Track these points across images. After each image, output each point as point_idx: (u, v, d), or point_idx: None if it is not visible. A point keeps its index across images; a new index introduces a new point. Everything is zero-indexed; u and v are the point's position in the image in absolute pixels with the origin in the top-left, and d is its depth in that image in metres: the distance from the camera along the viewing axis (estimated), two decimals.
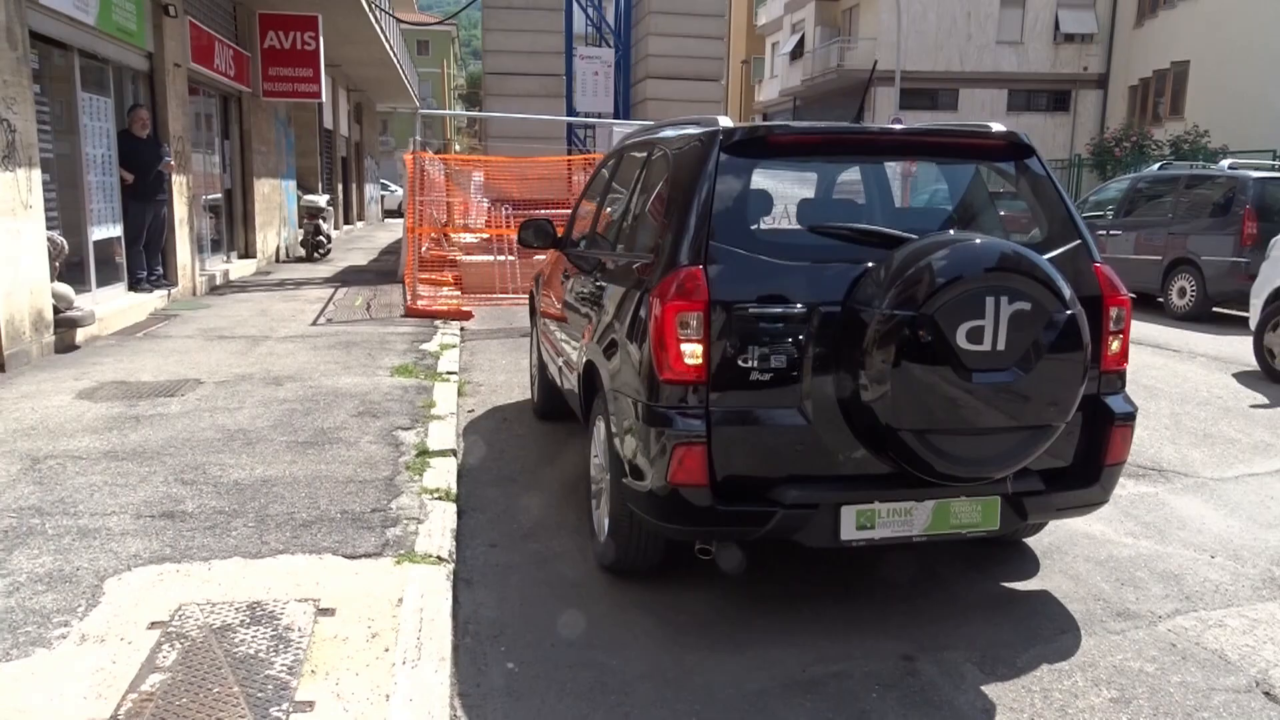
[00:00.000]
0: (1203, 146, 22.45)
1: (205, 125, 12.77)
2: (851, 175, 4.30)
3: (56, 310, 7.41)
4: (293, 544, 3.67)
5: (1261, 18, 23.12)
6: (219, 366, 6.96)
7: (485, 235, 13.37)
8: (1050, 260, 3.09)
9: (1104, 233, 12.52)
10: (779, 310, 3.07)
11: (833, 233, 3.37)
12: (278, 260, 15.97)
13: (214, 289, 11.88)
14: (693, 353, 3.05)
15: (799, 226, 3.79)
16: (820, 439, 3.11)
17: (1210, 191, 11.64)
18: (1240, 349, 8.69)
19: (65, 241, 7.71)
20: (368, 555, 3.59)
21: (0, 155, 6.54)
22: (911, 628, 3.31)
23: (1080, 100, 32.17)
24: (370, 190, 33.24)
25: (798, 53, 37.30)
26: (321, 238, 16.45)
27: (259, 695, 2.61)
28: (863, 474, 3.14)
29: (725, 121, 3.44)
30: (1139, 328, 10.20)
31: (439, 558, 3.59)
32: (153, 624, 3.00)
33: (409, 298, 10.55)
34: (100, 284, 8.86)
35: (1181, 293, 11.44)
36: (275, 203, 15.91)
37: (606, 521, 3.62)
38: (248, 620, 3.03)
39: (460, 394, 6.55)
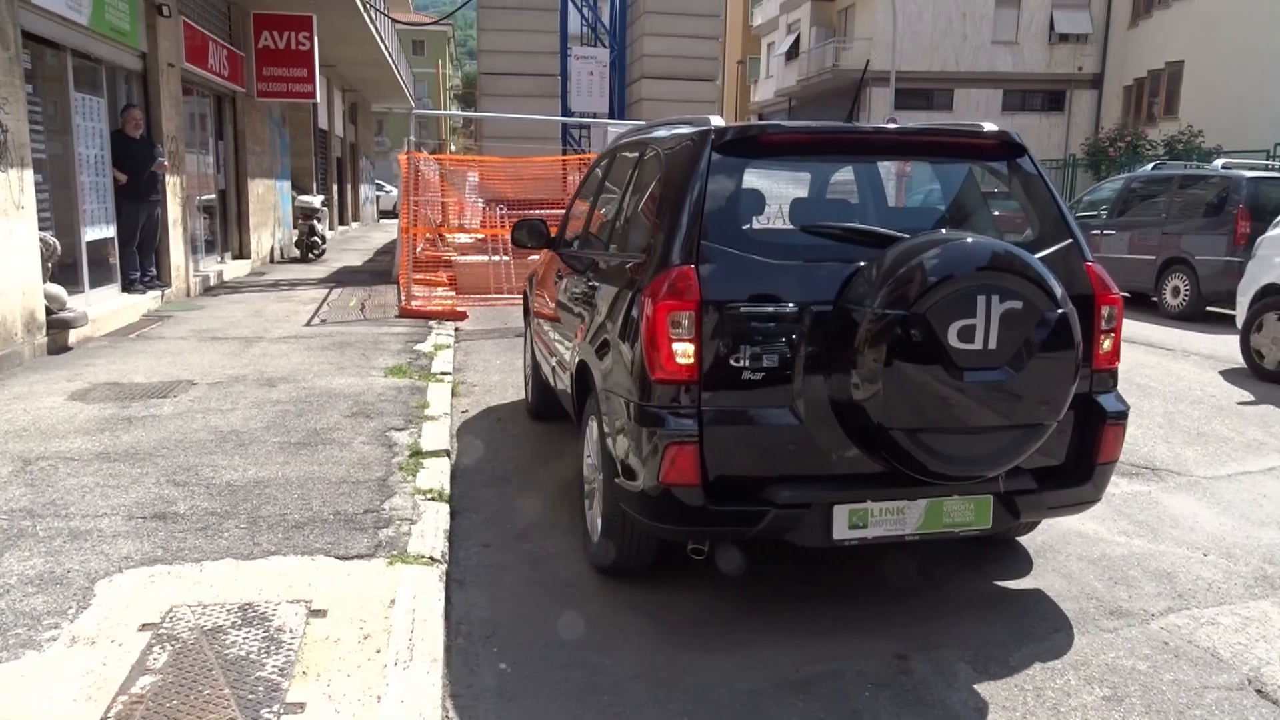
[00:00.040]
0: (1197, 146, 22.51)
1: (199, 125, 12.74)
2: (845, 175, 4.31)
3: (49, 311, 7.39)
4: (285, 545, 3.66)
5: (1256, 18, 23.18)
6: (212, 368, 6.94)
7: (480, 235, 13.36)
8: (1042, 259, 3.09)
9: (1098, 232, 12.55)
10: (771, 309, 3.07)
11: (824, 232, 3.37)
12: (272, 261, 15.94)
13: (208, 290, 11.85)
14: (684, 352, 3.05)
15: (791, 226, 3.79)
16: (812, 438, 3.11)
17: (1204, 191, 11.68)
18: (1234, 348, 8.68)
19: (58, 242, 7.69)
20: (360, 556, 3.58)
21: None
22: (904, 627, 3.31)
23: (1075, 100, 32.23)
24: (365, 191, 33.21)
25: (793, 53, 37.31)
26: (316, 238, 16.43)
27: (250, 697, 2.60)
28: (855, 473, 3.14)
29: (717, 121, 3.44)
30: (1133, 327, 10.22)
31: (432, 558, 3.59)
32: (144, 626, 2.99)
33: (403, 298, 10.53)
34: (93, 285, 8.83)
35: (1175, 292, 11.47)
36: (270, 203, 15.89)
37: (600, 522, 3.61)
38: (239, 622, 3.03)
39: (454, 394, 6.54)
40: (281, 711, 2.54)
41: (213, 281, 12.27)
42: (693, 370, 3.06)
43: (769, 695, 2.86)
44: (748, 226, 3.51)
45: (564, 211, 5.67)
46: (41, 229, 7.37)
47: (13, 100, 6.81)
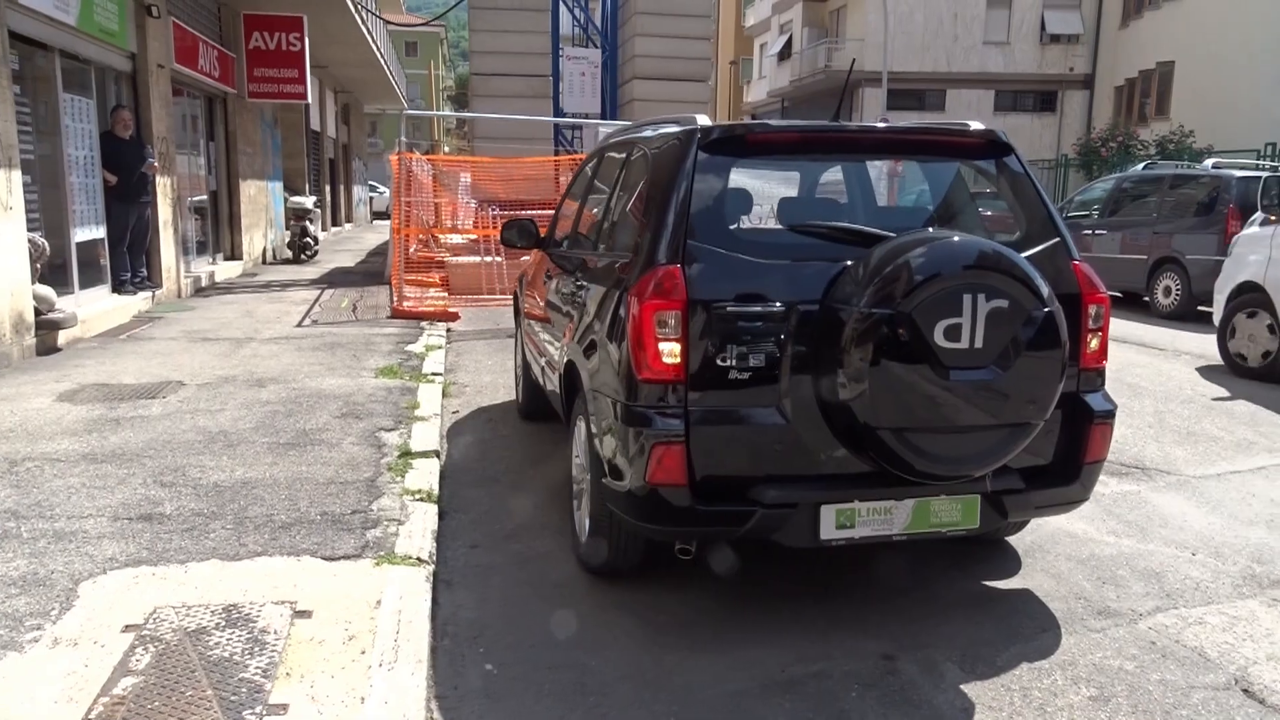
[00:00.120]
0: (1188, 146, 22.58)
1: (190, 126, 12.70)
2: (833, 174, 4.30)
3: (38, 312, 7.35)
4: (271, 546, 3.64)
5: (1246, 18, 23.25)
6: (202, 368, 6.91)
7: (472, 236, 13.34)
8: (1029, 258, 3.09)
9: (1089, 232, 12.57)
10: (757, 309, 3.06)
11: (811, 231, 3.37)
12: (264, 262, 15.89)
13: (199, 291, 11.81)
14: (671, 352, 3.04)
15: (778, 225, 3.78)
16: (799, 438, 3.10)
17: (1195, 191, 11.71)
18: None
19: (47, 243, 7.65)
20: (347, 557, 3.56)
21: None
22: (892, 627, 3.30)
23: (1066, 101, 32.29)
24: (358, 192, 33.14)
25: (785, 54, 37.33)
26: (309, 239, 16.38)
27: (232, 698, 2.59)
28: (842, 473, 3.13)
29: (703, 120, 3.43)
30: (1124, 326, 10.24)
31: (419, 559, 3.57)
32: (127, 627, 2.97)
33: (395, 299, 10.51)
34: (83, 286, 8.80)
35: (1166, 291, 11.49)
36: (261, 204, 15.84)
37: (588, 522, 3.60)
38: (223, 623, 3.01)
39: (445, 395, 6.53)
40: (264, 713, 2.53)
41: (204, 282, 12.23)
42: (679, 370, 3.05)
43: (756, 695, 2.86)
44: (735, 226, 3.50)
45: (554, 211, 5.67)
46: (30, 230, 7.34)
47: (0, 102, 6.78)
